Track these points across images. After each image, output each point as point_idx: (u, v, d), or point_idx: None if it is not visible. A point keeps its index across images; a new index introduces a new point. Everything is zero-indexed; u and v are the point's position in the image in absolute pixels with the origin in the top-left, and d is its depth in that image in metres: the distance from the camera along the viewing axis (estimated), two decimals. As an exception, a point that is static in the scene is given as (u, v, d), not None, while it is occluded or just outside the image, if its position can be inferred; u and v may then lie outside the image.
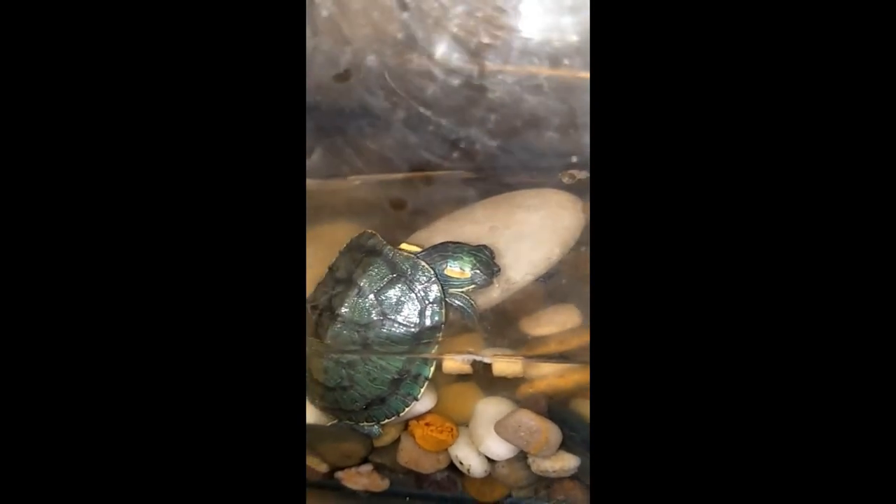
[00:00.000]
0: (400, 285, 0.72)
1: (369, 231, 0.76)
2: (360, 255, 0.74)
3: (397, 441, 0.79)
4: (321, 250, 0.77)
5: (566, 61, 0.80)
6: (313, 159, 0.93)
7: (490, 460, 0.76)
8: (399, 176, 0.93)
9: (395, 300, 0.71)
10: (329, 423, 0.79)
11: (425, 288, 0.72)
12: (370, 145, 0.93)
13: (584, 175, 0.86)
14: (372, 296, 0.72)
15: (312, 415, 0.80)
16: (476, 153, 0.89)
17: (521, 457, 0.76)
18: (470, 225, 0.81)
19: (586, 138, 0.84)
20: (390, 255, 0.73)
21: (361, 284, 0.72)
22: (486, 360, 0.71)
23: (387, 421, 0.75)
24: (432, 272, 0.72)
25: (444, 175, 0.91)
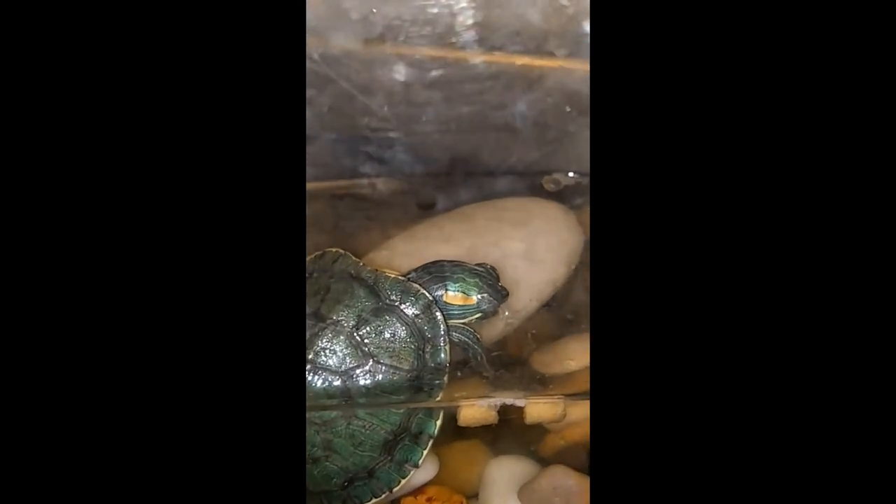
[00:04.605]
0: (389, 317, 0.62)
1: (333, 250, 0.66)
2: (325, 281, 0.64)
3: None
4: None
5: (554, 49, 0.72)
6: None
7: (507, 540, 0.67)
8: (328, 185, 0.82)
9: (383, 336, 0.62)
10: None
11: (423, 319, 0.63)
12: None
13: (570, 180, 0.81)
14: (352, 332, 0.62)
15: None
16: (428, 154, 0.78)
17: (549, 529, 0.67)
18: (441, 244, 0.74)
19: (578, 138, 0.78)
20: (371, 278, 0.63)
21: (336, 319, 0.62)
22: (519, 402, 0.62)
23: (374, 501, 0.64)
24: (430, 298, 0.63)
25: (387, 183, 0.81)
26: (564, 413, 0.64)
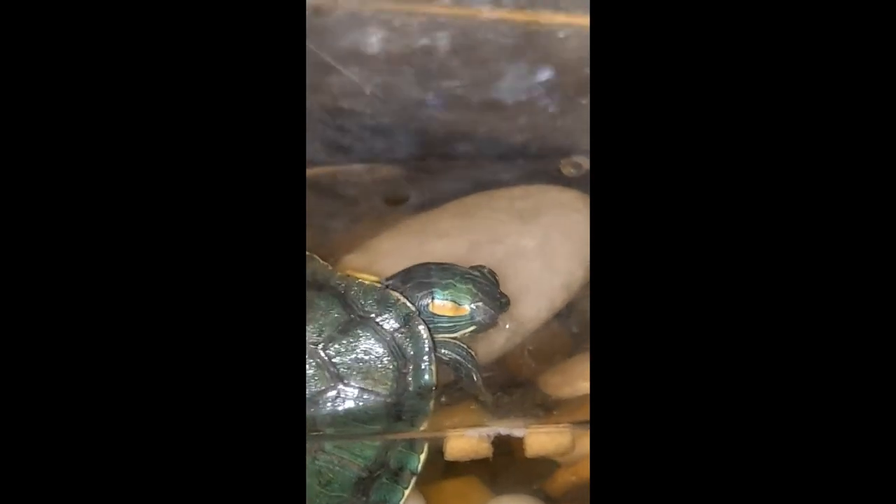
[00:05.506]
0: (362, 331, 0.58)
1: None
2: (290, 289, 0.58)
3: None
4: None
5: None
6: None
7: None
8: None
9: (355, 354, 0.59)
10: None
11: (404, 333, 0.59)
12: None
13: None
14: (317, 350, 0.58)
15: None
16: (409, 130, 0.75)
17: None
18: (437, 241, 0.70)
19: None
20: (341, 286, 0.60)
21: (300, 333, 0.58)
22: (517, 432, 0.57)
23: (345, 554, 0.60)
24: (412, 308, 0.59)
25: (360, 169, 0.77)
26: (573, 444, 0.59)
